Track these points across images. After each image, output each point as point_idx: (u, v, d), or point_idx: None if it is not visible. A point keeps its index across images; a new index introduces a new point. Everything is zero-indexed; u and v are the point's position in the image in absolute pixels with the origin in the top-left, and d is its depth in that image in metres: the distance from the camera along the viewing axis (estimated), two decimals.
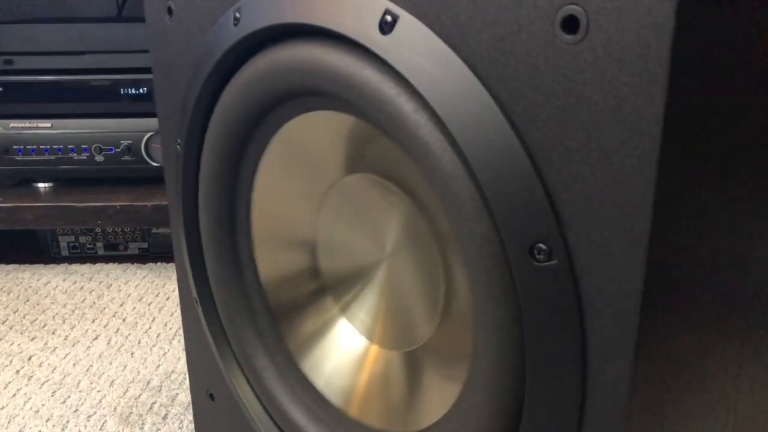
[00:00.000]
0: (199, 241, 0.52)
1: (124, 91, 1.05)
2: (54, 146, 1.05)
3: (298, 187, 0.46)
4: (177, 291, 1.02)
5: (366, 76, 0.34)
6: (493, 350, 0.32)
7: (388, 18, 0.32)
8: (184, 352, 0.84)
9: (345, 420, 0.46)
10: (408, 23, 0.31)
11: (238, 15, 0.41)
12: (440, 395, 0.40)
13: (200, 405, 0.60)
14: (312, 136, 0.43)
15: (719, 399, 0.38)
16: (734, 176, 0.31)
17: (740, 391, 0.41)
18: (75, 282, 1.06)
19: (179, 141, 0.50)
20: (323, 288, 0.48)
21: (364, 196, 0.43)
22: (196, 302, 0.54)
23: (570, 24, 0.26)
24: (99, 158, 1.06)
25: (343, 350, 0.48)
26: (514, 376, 0.32)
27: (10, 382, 0.78)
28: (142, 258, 1.17)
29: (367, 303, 0.46)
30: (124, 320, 0.93)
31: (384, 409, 0.44)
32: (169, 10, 0.48)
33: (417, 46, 0.31)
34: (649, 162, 0.25)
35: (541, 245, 0.29)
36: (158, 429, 0.69)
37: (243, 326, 0.51)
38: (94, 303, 0.99)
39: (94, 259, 1.16)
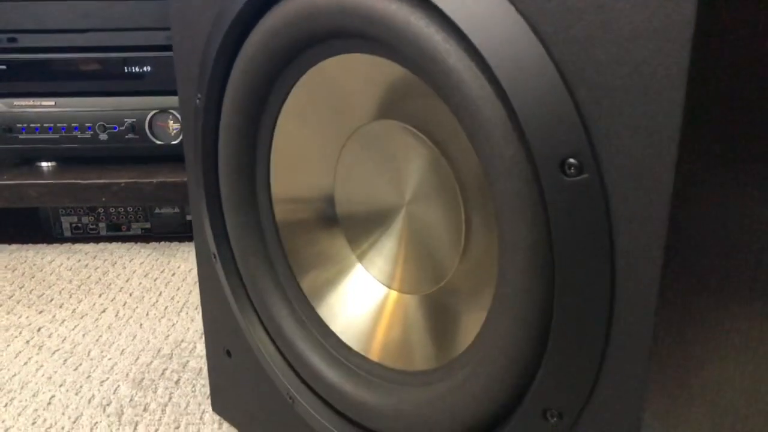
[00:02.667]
0: (218, 196, 0.53)
1: (127, 69, 1.05)
2: (58, 125, 1.05)
3: (319, 135, 0.47)
4: (182, 267, 1.03)
5: (394, 9, 0.35)
6: (522, 271, 0.33)
7: None
8: (192, 323, 0.85)
9: (366, 363, 0.47)
10: None
11: None
12: (463, 330, 0.41)
13: (216, 362, 0.61)
14: (335, 83, 0.44)
15: (736, 331, 0.39)
16: (750, 145, 0.33)
17: (763, 332, 0.42)
18: (79, 260, 1.07)
19: (199, 95, 0.51)
20: (340, 235, 0.49)
21: (387, 142, 0.44)
22: (215, 257, 0.55)
23: None
24: (103, 137, 1.06)
25: (362, 296, 0.49)
26: (542, 296, 0.33)
27: (21, 351, 0.78)
28: (145, 238, 1.17)
29: (386, 249, 0.47)
30: (130, 294, 0.94)
31: (405, 351, 0.45)
32: None
33: None
34: (678, 70, 0.26)
35: (571, 160, 0.30)
36: (171, 393, 0.69)
37: (262, 277, 0.52)
38: (100, 279, 0.99)
39: (96, 239, 1.17)
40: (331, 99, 0.45)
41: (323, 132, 0.47)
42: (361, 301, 0.48)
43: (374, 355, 0.47)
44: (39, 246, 1.12)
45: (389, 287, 0.47)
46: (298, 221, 0.50)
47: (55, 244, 1.13)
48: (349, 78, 0.43)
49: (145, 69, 1.05)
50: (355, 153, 0.46)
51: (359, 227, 0.48)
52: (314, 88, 0.45)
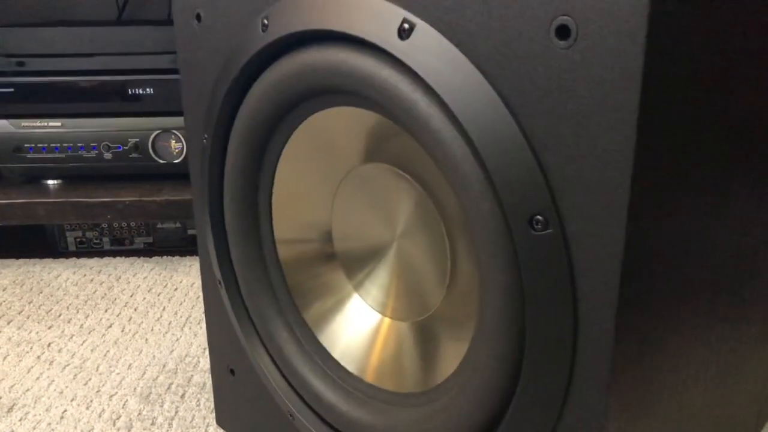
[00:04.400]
0: (223, 228, 0.57)
1: (131, 91, 1.09)
2: (64, 144, 1.09)
3: (316, 176, 0.51)
4: (184, 282, 1.07)
5: (385, 75, 0.39)
6: (497, 310, 0.37)
7: (406, 25, 0.37)
8: (196, 338, 0.89)
9: (361, 385, 0.51)
10: (424, 30, 0.36)
11: (266, 21, 0.46)
12: (448, 356, 0.46)
13: (220, 379, 0.65)
14: (331, 130, 0.48)
15: (692, 353, 0.44)
16: (702, 162, 0.37)
17: (712, 351, 0.47)
18: (84, 275, 1.11)
19: (206, 136, 0.55)
20: (338, 267, 0.53)
21: (377, 183, 0.48)
22: (220, 284, 0.59)
23: (562, 32, 0.31)
24: (107, 156, 1.10)
25: (358, 323, 0.53)
26: (516, 331, 0.37)
27: (32, 367, 0.82)
28: (148, 252, 1.21)
29: (379, 280, 0.51)
30: (135, 309, 0.98)
31: (398, 373, 0.50)
32: (198, 17, 0.53)
33: (431, 50, 0.36)
34: (628, 145, 0.31)
35: (538, 216, 0.34)
36: (177, 407, 0.74)
37: (265, 304, 0.56)
38: (105, 294, 1.03)
39: (100, 253, 1.21)
40: (327, 144, 0.49)
41: (320, 174, 0.51)
42: (358, 327, 0.53)
43: (369, 377, 0.51)
44: (45, 261, 1.16)
45: (383, 314, 0.52)
46: (299, 256, 0.54)
47: (60, 259, 1.17)
48: (343, 126, 0.47)
49: (148, 91, 1.09)
50: (350, 193, 0.50)
51: (355, 260, 0.52)
52: (312, 135, 0.49)
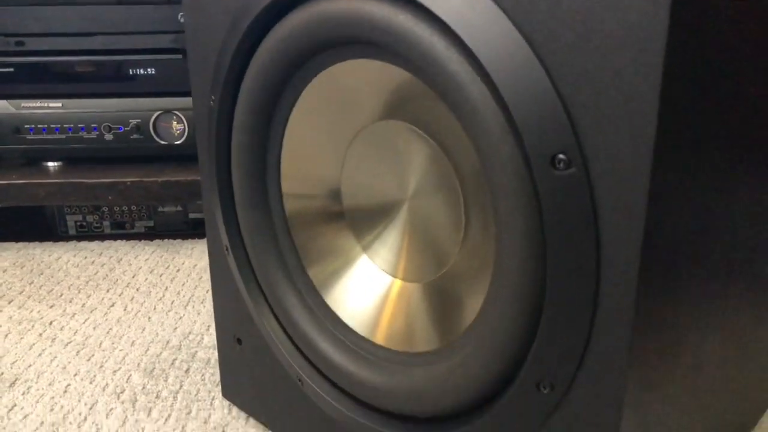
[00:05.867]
0: (231, 192, 0.56)
1: (132, 71, 1.08)
2: (64, 125, 1.08)
3: (328, 134, 0.50)
4: (186, 264, 1.06)
5: (401, 19, 0.38)
6: (517, 256, 0.37)
7: None
8: (199, 316, 0.88)
9: (371, 346, 0.51)
10: None
11: None
12: (462, 313, 0.45)
13: (226, 349, 0.64)
14: (344, 86, 0.47)
15: (711, 313, 0.43)
16: (728, 114, 0.36)
17: (729, 316, 0.46)
18: (86, 257, 1.10)
19: (213, 98, 0.54)
20: (346, 229, 0.53)
21: (391, 141, 0.48)
22: (227, 250, 0.58)
23: None
24: (108, 137, 1.09)
25: (367, 285, 0.52)
26: (535, 277, 0.37)
27: (34, 344, 0.81)
28: (149, 236, 1.20)
29: (390, 241, 0.51)
30: (137, 289, 0.97)
31: (409, 334, 0.49)
32: None
33: None
34: (654, 76, 0.30)
35: (561, 156, 0.33)
36: (182, 381, 0.73)
37: (273, 269, 0.55)
38: (107, 275, 1.02)
39: (101, 237, 1.20)
40: (340, 100, 0.49)
41: (331, 131, 0.50)
42: (367, 289, 0.52)
43: (379, 339, 0.50)
44: (45, 244, 1.15)
45: (393, 276, 0.51)
46: (307, 215, 0.54)
47: (60, 242, 1.16)
48: (357, 81, 0.47)
49: (149, 71, 1.08)
50: (361, 151, 0.50)
51: (364, 220, 0.52)
52: (324, 90, 0.48)
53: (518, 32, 0.34)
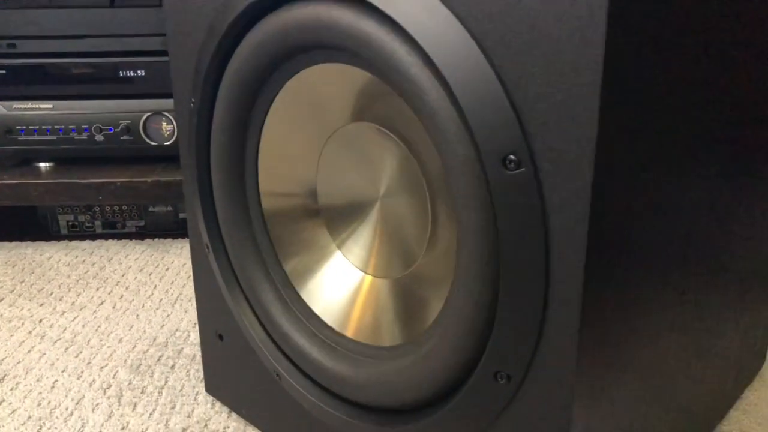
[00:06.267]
0: (211, 191, 0.58)
1: (122, 73, 1.10)
2: (55, 126, 1.10)
3: (302, 135, 0.52)
4: (175, 263, 1.08)
5: (365, 26, 0.40)
6: (473, 252, 0.38)
7: None
8: (186, 314, 0.90)
9: (343, 340, 0.52)
10: None
11: None
12: (427, 309, 0.47)
13: (209, 345, 0.66)
14: (318, 88, 0.49)
15: (664, 303, 0.45)
16: (673, 109, 0.38)
17: (684, 303, 0.48)
18: (77, 256, 1.11)
19: (193, 100, 0.56)
20: (322, 226, 0.54)
21: (362, 142, 0.49)
22: (207, 248, 0.60)
23: None
24: (99, 138, 1.11)
25: (340, 280, 0.54)
26: (491, 272, 0.38)
27: (23, 341, 0.83)
28: (140, 235, 1.22)
29: (362, 238, 0.52)
30: (127, 288, 0.99)
31: (378, 328, 0.51)
32: None
33: None
34: (595, 78, 0.32)
35: (511, 156, 0.35)
36: (167, 377, 0.74)
37: (251, 266, 0.57)
38: (97, 274, 1.04)
39: (92, 236, 1.21)
40: (313, 103, 0.50)
41: (306, 132, 0.52)
42: (340, 284, 0.54)
43: (351, 332, 0.52)
44: (37, 243, 1.17)
45: (365, 272, 0.53)
46: (284, 213, 0.55)
47: (52, 242, 1.18)
48: (328, 84, 0.48)
49: (139, 73, 1.10)
50: (335, 151, 0.51)
51: (339, 218, 0.53)
52: (298, 93, 0.50)
53: (471, 38, 0.35)
